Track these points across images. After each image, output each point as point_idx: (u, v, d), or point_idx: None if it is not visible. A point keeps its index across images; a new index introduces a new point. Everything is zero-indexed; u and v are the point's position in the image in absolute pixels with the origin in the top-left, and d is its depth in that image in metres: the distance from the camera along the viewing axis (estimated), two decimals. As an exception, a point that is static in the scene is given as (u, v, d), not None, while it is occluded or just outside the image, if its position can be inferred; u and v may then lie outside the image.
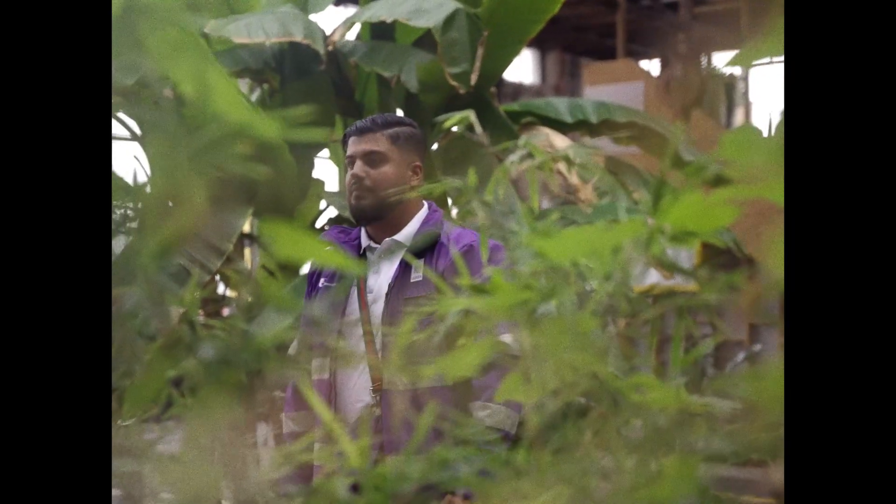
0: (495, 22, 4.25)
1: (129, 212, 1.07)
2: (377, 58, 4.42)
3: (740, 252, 4.48)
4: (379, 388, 2.24)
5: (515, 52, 4.63)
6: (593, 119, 4.80)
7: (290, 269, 4.24)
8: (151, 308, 1.05)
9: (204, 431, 0.99)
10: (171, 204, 1.03)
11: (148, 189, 1.07)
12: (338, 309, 2.32)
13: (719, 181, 0.91)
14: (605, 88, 10.36)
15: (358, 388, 2.28)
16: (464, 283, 0.98)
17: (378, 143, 2.33)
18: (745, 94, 13.10)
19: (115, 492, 1.04)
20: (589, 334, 0.94)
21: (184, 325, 1.02)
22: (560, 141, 4.41)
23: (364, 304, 2.30)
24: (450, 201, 4.20)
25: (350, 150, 2.36)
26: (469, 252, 2.21)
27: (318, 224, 4.81)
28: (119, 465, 1.04)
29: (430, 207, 2.40)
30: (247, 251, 4.91)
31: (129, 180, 1.09)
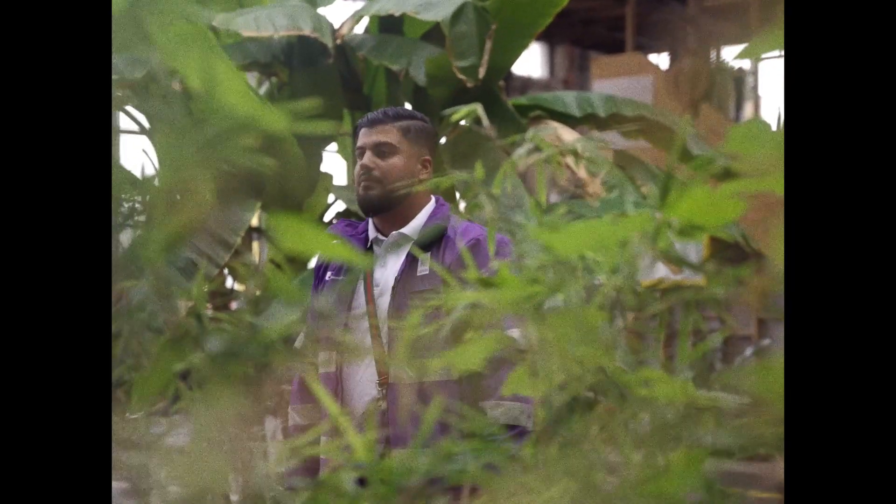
0: (504, 15, 4.24)
1: (137, 205, 1.07)
2: (385, 51, 4.42)
3: (749, 246, 4.47)
4: (385, 382, 2.24)
5: (524, 46, 4.62)
6: (602, 113, 4.80)
7: (298, 262, 4.24)
8: (159, 301, 1.05)
9: (211, 425, 1.00)
10: (179, 197, 1.03)
11: (156, 182, 1.07)
12: (344, 302, 2.32)
13: (727, 175, 0.91)
14: (614, 82, 10.34)
15: (364, 382, 2.28)
16: (471, 277, 0.98)
17: (389, 134, 2.33)
18: (755, 87, 13.06)
19: (122, 485, 1.04)
20: (596, 328, 0.94)
21: (191, 319, 1.02)
22: (568, 135, 4.40)
23: (370, 298, 2.30)
24: (458, 195, 4.20)
25: (360, 141, 2.36)
26: (476, 246, 2.20)
27: (327, 218, 4.81)
28: (127, 458, 1.04)
29: (437, 201, 2.40)
30: (255, 244, 4.92)
31: (138, 174, 1.09)
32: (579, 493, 0.90)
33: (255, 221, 4.23)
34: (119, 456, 1.02)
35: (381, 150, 2.33)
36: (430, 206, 2.38)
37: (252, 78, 4.96)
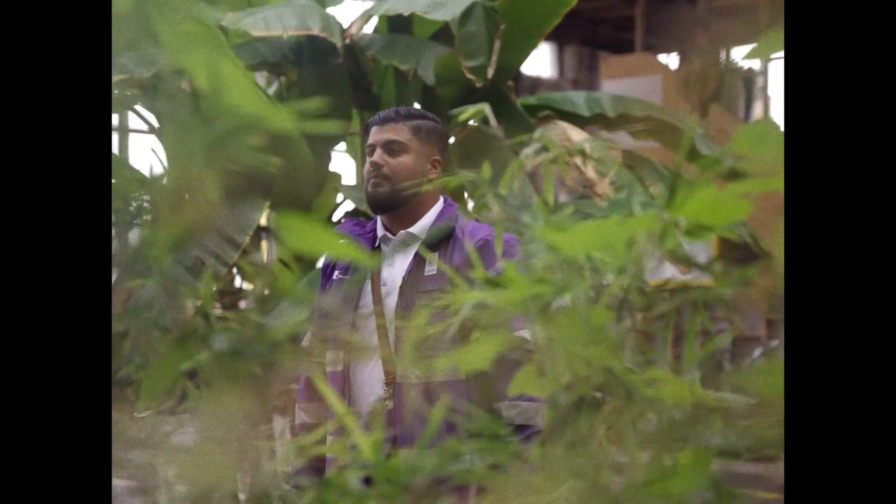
0: (513, 15, 4.24)
1: (145, 203, 1.07)
2: (394, 51, 4.42)
3: (757, 246, 4.46)
4: (392, 382, 2.24)
5: (533, 46, 4.63)
6: (611, 113, 4.79)
7: (306, 261, 4.25)
8: (167, 300, 1.06)
9: (218, 424, 1.00)
10: (187, 196, 1.04)
11: (165, 181, 1.07)
12: (351, 301, 2.32)
13: (736, 175, 0.91)
14: (623, 82, 10.33)
15: (371, 381, 2.28)
16: (478, 277, 0.98)
17: (400, 133, 2.34)
18: (764, 87, 13.03)
19: (129, 483, 1.04)
20: (603, 328, 0.94)
21: (199, 318, 1.02)
22: (577, 135, 4.40)
23: (378, 297, 2.30)
24: (466, 195, 4.20)
25: (371, 138, 2.36)
26: (484, 246, 2.20)
27: (335, 217, 4.82)
28: (134, 457, 1.04)
29: (445, 201, 2.40)
30: (263, 243, 4.93)
31: (146, 172, 1.10)
32: (586, 493, 0.90)
33: (263, 220, 4.24)
34: (126, 454, 1.02)
35: (392, 147, 2.33)
36: (439, 205, 2.38)
37: (261, 77, 4.96)
